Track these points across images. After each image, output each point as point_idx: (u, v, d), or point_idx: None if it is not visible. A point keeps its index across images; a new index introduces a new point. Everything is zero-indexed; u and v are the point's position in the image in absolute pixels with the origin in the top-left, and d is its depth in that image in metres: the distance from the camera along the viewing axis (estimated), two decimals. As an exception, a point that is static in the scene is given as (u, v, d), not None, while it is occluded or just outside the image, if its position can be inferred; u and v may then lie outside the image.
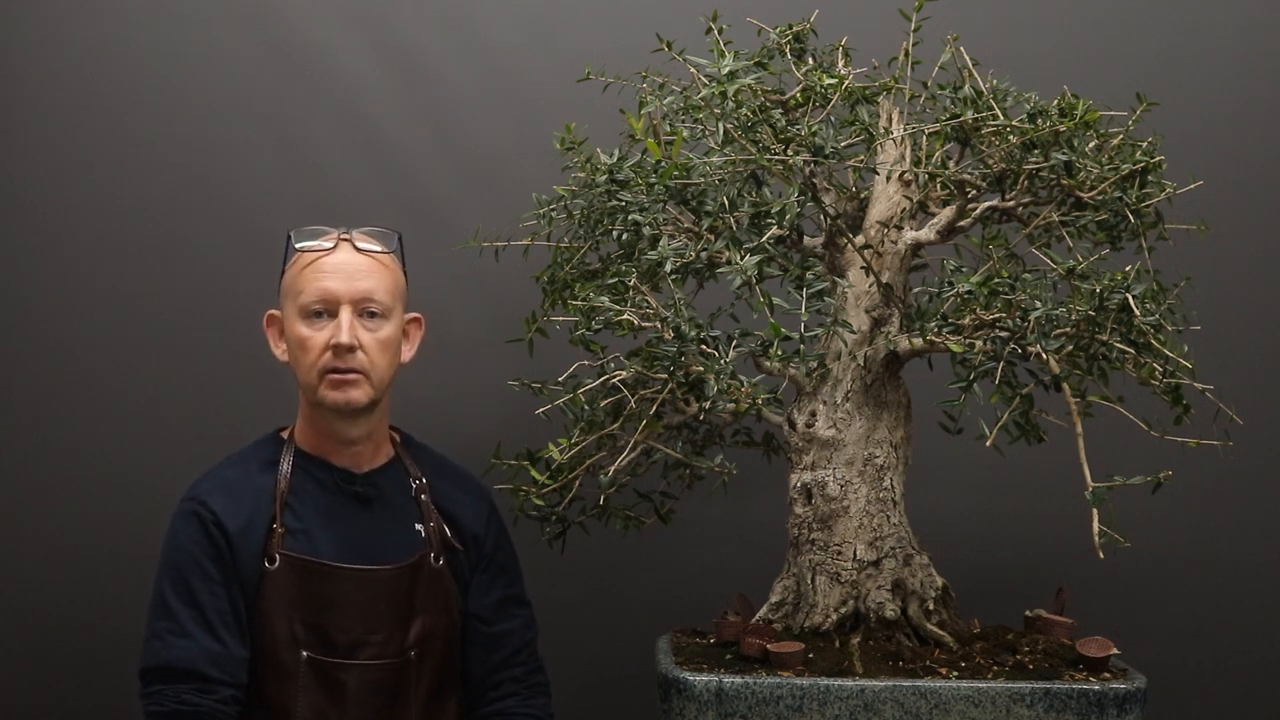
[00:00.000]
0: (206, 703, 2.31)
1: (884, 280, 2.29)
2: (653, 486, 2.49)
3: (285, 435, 2.51)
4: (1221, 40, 3.07)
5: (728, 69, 2.25)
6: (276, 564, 2.38)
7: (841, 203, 2.43)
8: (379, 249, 2.45)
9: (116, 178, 3.06)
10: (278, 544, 2.39)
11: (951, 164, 2.32)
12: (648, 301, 2.21)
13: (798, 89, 2.38)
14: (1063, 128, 2.21)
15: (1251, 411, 2.32)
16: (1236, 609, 3.08)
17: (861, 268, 2.29)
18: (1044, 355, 2.12)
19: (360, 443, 2.46)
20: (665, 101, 2.36)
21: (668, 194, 2.25)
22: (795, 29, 2.47)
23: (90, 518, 3.04)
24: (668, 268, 2.18)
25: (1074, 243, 2.26)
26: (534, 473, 2.33)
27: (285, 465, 2.45)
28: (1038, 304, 2.12)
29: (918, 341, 2.24)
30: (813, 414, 2.33)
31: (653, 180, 2.23)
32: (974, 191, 2.34)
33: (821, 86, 2.32)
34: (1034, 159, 2.25)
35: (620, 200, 2.29)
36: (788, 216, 2.21)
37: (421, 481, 2.52)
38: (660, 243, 2.21)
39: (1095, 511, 2.04)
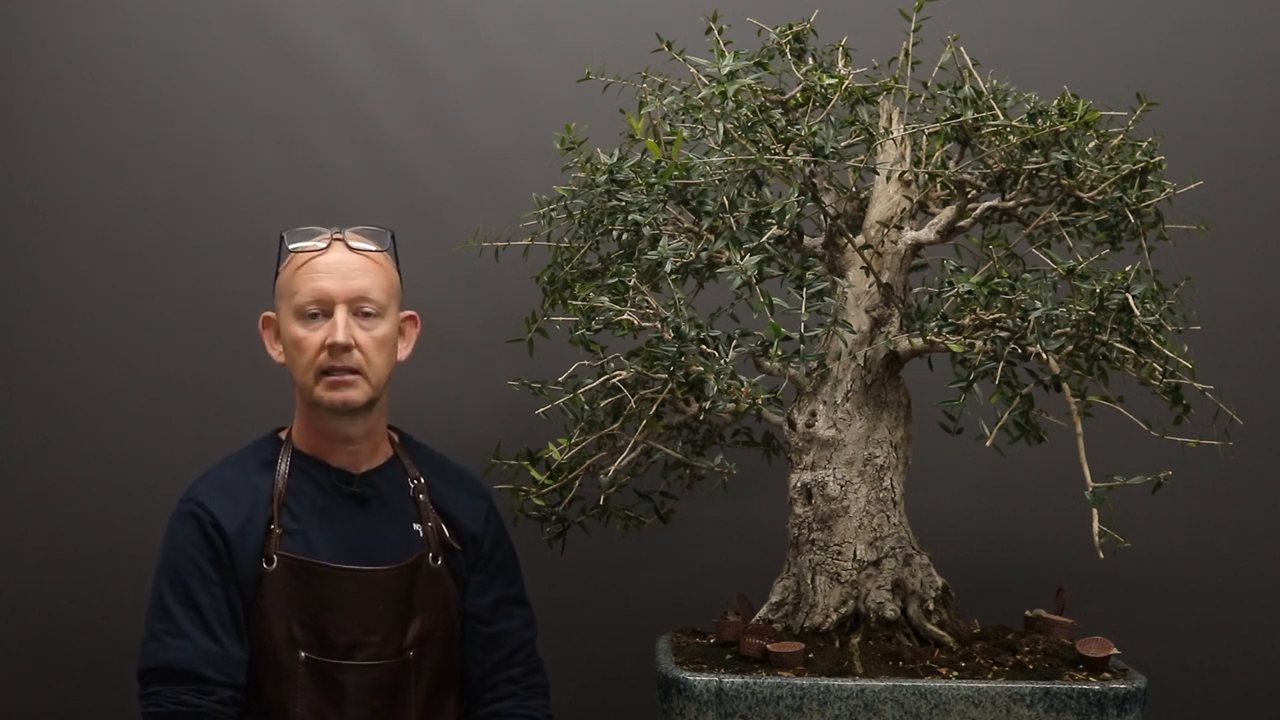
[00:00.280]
0: (205, 704, 2.31)
1: (884, 280, 2.29)
2: (653, 486, 2.49)
3: (283, 436, 2.51)
4: (1221, 40, 3.07)
5: (728, 69, 2.25)
6: (274, 565, 2.38)
7: (841, 203, 2.43)
8: (372, 248, 2.45)
9: (116, 178, 3.06)
10: (275, 545, 2.39)
11: (951, 164, 2.31)
12: (648, 301, 2.21)
13: (798, 89, 2.38)
14: (1063, 128, 2.21)
15: (1251, 411, 2.32)
16: (1236, 609, 3.07)
17: (861, 268, 2.29)
18: (1044, 355, 2.11)
19: (358, 442, 2.46)
20: (665, 101, 2.36)
21: (668, 194, 2.25)
22: (795, 29, 2.47)
23: (90, 518, 3.04)
24: (668, 268, 2.18)
25: (1074, 243, 2.26)
26: (534, 473, 2.33)
27: (283, 466, 2.44)
28: (1038, 304, 2.12)
29: (918, 341, 2.24)
30: (813, 414, 2.32)
31: (653, 180, 2.23)
32: (974, 191, 2.34)
33: (821, 86, 2.32)
34: (1034, 159, 2.25)
35: (620, 200, 2.29)
36: (788, 216, 2.21)
37: (420, 481, 2.51)
38: (660, 243, 2.21)
39: (1095, 511, 2.04)
